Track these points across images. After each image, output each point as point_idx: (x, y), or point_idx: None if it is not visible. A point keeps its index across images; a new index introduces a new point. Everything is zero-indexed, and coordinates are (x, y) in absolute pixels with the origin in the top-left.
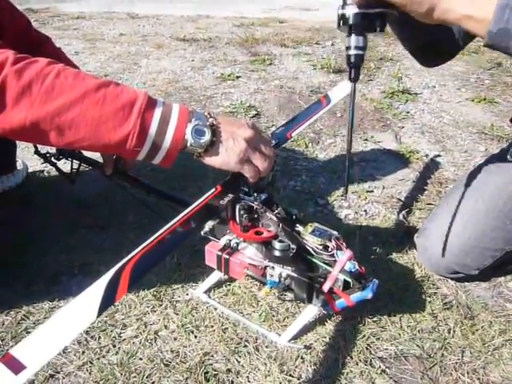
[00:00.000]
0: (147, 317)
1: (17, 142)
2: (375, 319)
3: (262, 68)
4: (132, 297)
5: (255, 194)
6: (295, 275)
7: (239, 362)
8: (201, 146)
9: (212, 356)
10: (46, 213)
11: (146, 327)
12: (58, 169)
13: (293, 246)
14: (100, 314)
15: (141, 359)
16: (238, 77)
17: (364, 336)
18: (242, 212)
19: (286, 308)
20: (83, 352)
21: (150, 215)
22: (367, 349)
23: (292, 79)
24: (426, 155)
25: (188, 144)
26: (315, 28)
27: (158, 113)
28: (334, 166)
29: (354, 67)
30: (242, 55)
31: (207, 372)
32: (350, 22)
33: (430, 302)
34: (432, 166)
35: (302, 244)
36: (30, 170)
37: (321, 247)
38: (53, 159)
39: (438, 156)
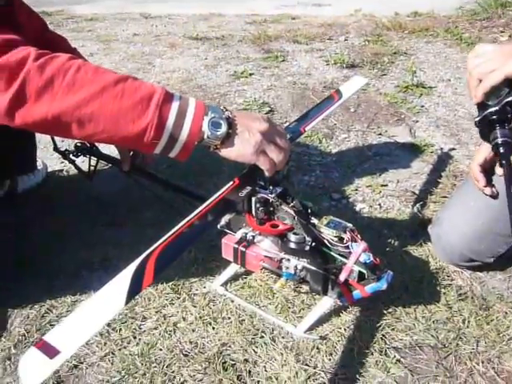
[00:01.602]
0: (166, 309)
1: (36, 142)
2: (390, 310)
3: (275, 65)
4: (151, 290)
5: (271, 187)
6: (311, 267)
7: (256, 353)
8: (217, 138)
9: (229, 347)
10: (65, 211)
11: (165, 319)
12: (76, 166)
13: (308, 238)
14: (128, 301)
15: (160, 350)
16: (251, 74)
17: (379, 327)
18: (257, 205)
19: (302, 300)
20: (105, 343)
21: (168, 211)
22: (382, 339)
23: (305, 75)
24: (441, 148)
25: (205, 136)
26: (327, 23)
27: (175, 106)
28: (347, 161)
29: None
30: (255, 52)
31: (225, 362)
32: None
33: (444, 293)
34: (447, 160)
35: (317, 236)
36: (49, 170)
37: (336, 239)
38: (71, 156)
39: (453, 149)
